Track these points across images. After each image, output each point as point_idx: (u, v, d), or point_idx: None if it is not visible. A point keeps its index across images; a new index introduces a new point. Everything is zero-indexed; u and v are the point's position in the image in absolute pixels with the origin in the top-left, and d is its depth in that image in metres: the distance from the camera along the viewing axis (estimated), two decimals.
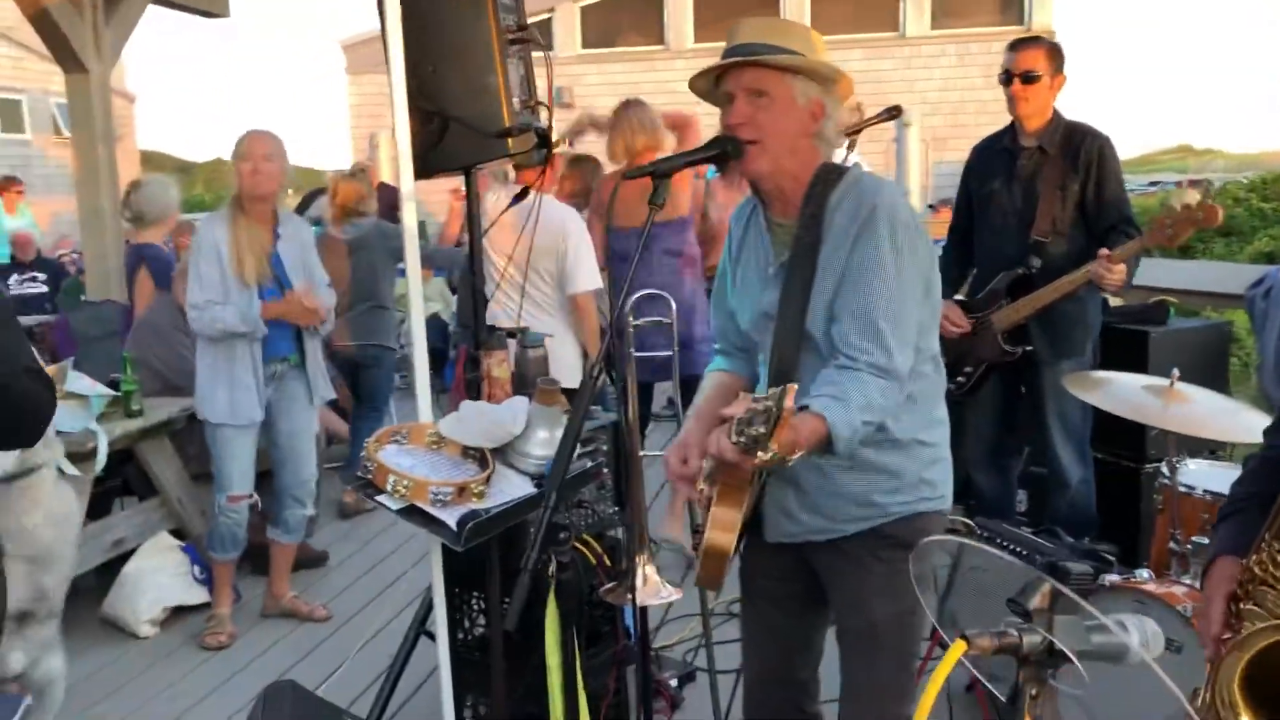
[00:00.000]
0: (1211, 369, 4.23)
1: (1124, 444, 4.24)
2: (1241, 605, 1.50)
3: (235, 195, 4.16)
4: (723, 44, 2.18)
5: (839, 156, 2.27)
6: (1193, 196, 3.38)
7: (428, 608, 3.33)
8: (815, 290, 2.07)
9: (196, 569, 4.55)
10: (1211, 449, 4.18)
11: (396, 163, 2.92)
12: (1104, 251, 3.54)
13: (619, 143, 5.02)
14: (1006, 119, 4.02)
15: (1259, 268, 5.75)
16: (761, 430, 1.74)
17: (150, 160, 25.48)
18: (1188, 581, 2.76)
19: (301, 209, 11.27)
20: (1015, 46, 3.88)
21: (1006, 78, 3.84)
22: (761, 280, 2.21)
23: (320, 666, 4.05)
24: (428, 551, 4.98)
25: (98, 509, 4.65)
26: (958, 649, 0.96)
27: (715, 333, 2.44)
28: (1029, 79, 3.78)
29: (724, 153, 2.16)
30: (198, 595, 4.50)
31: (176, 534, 4.69)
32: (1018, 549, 3.39)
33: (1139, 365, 4.17)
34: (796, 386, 1.75)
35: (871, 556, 2.17)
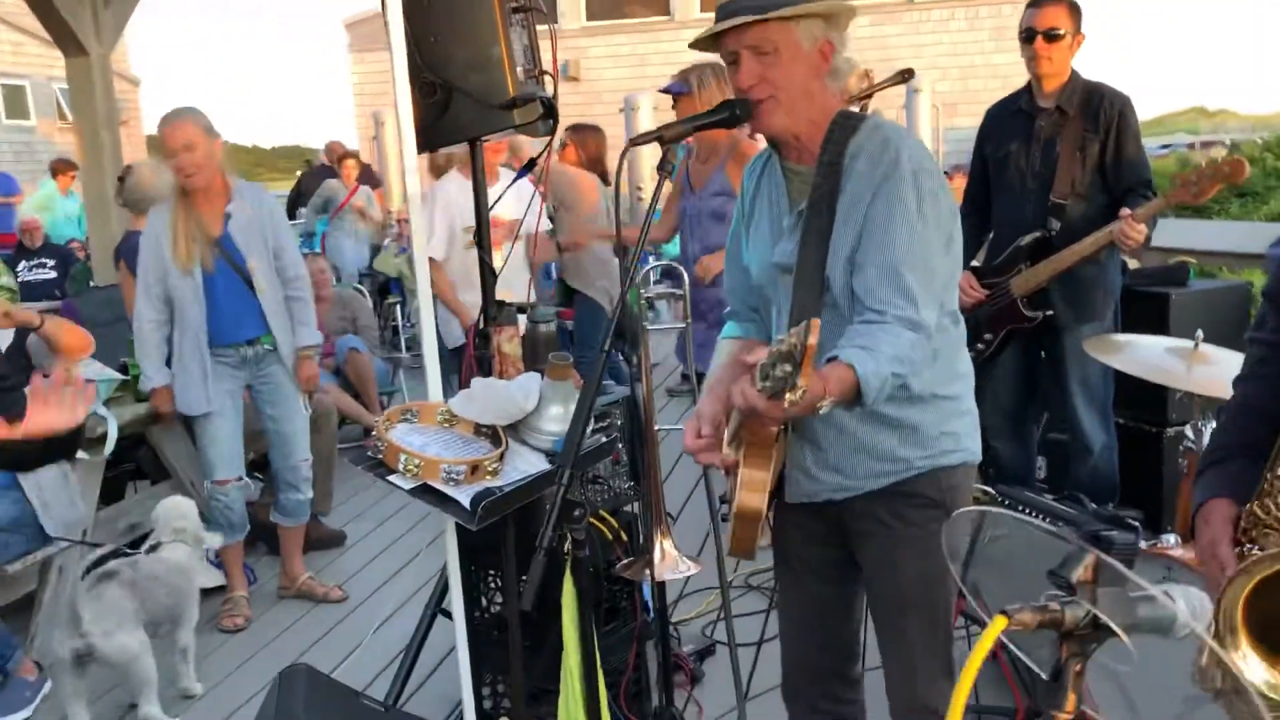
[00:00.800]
0: (1232, 330, 4.15)
1: (1145, 407, 4.18)
2: (1245, 549, 1.46)
3: (177, 184, 4.08)
4: None
5: None
6: (1219, 152, 3.29)
7: (444, 587, 3.31)
8: (834, 239, 2.01)
9: (211, 551, 4.51)
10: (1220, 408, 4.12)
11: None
12: (1126, 211, 3.47)
13: None
14: (1017, 83, 3.94)
15: (1278, 226, 5.65)
16: (787, 369, 1.68)
17: (157, 145, 25.41)
18: None
19: (300, 195, 11.24)
20: (1038, 3, 3.77)
21: (1029, 35, 3.74)
22: (775, 230, 2.15)
23: (337, 647, 4.04)
24: (443, 530, 5.02)
25: (110, 493, 4.64)
26: (998, 624, 0.91)
27: (727, 294, 2.38)
28: (1052, 36, 3.69)
29: (733, 115, 2.10)
30: (213, 578, 4.47)
31: None
32: (1042, 516, 3.34)
33: (1160, 327, 4.10)
34: (819, 321, 1.67)
35: (899, 519, 2.11)
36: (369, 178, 10.98)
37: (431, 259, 4.69)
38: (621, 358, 4.55)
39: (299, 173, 14.12)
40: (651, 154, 11.62)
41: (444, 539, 2.82)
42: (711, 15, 2.11)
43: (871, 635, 2.32)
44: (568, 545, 2.23)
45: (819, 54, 2.02)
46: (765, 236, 2.18)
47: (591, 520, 2.82)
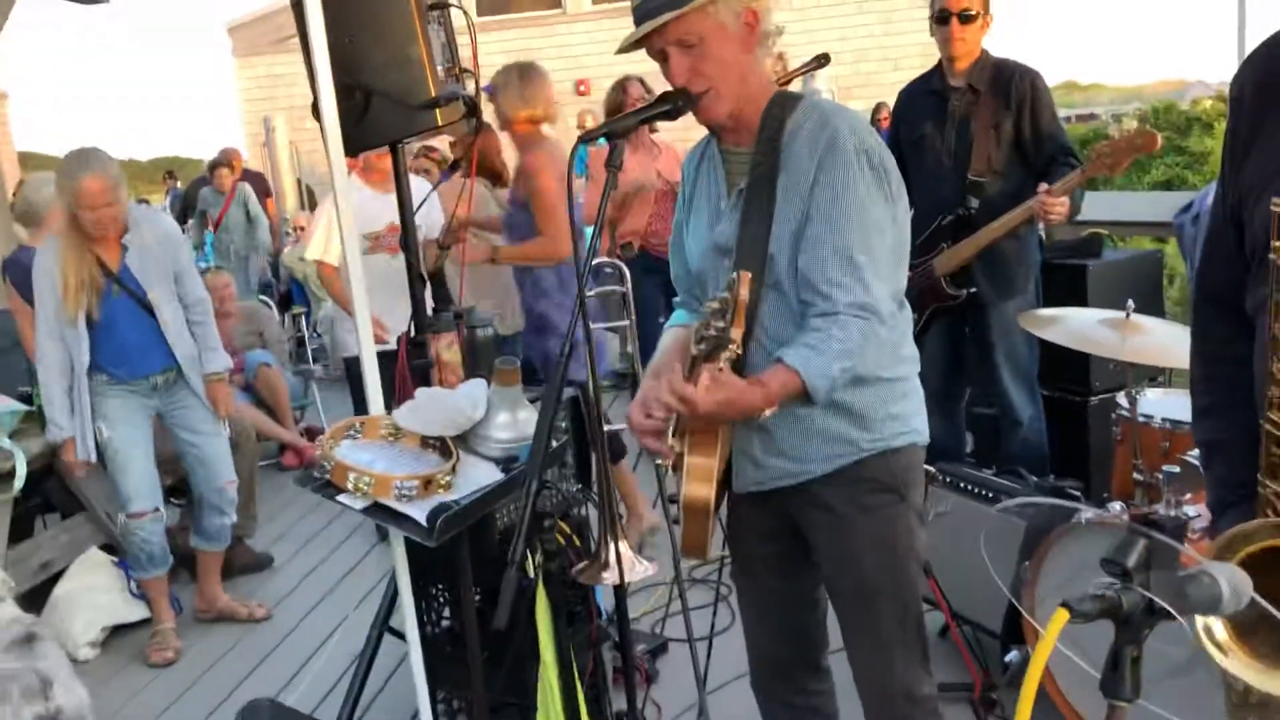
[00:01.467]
0: (1148, 297, 4.26)
1: (1070, 378, 4.27)
2: None
3: (70, 217, 3.87)
4: (620, 4, 2.10)
5: None
6: (1130, 124, 3.36)
7: (389, 604, 3.21)
8: (776, 216, 1.99)
9: (133, 584, 4.33)
10: (1152, 376, 4.24)
11: (297, 146, 2.76)
12: (1043, 186, 3.53)
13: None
14: (907, 64, 3.98)
15: (1185, 194, 5.85)
16: (720, 325, 1.67)
17: (30, 161, 24.40)
18: (1162, 511, 2.76)
19: (186, 205, 10.88)
20: None
21: (943, 16, 3.75)
22: (714, 213, 2.13)
23: (273, 674, 3.90)
24: (372, 546, 4.90)
25: (20, 530, 4.41)
26: (1060, 618, 0.89)
27: (675, 282, 2.34)
28: (966, 18, 3.72)
29: (675, 107, 2.07)
30: (137, 611, 4.29)
31: (107, 549, 4.46)
32: (985, 491, 3.39)
33: (1079, 299, 4.19)
34: (750, 275, 1.69)
35: (851, 505, 2.09)
36: (257, 185, 10.65)
37: (329, 264, 4.56)
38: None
39: (169, 187, 13.74)
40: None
41: (374, 556, 2.74)
42: (604, 6, 2.08)
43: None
44: (538, 558, 2.18)
45: (745, 27, 1.99)
46: (704, 220, 2.15)
47: (561, 530, 2.75)
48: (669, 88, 2.07)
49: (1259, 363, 1.35)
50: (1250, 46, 4.46)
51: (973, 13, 3.72)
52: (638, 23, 1.99)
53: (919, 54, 14.82)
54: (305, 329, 8.79)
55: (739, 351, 1.82)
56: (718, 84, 1.99)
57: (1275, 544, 1.12)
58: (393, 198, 3.88)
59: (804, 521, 2.17)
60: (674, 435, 2.05)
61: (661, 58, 2.01)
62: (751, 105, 2.04)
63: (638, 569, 2.78)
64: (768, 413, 1.90)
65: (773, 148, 2.00)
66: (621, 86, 5.39)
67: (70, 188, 3.78)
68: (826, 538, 2.15)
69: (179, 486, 4.78)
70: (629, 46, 2.03)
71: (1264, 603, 0.90)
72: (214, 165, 10.07)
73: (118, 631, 4.27)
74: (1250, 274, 1.41)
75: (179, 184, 14.83)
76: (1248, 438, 1.36)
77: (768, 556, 2.27)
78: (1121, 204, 5.26)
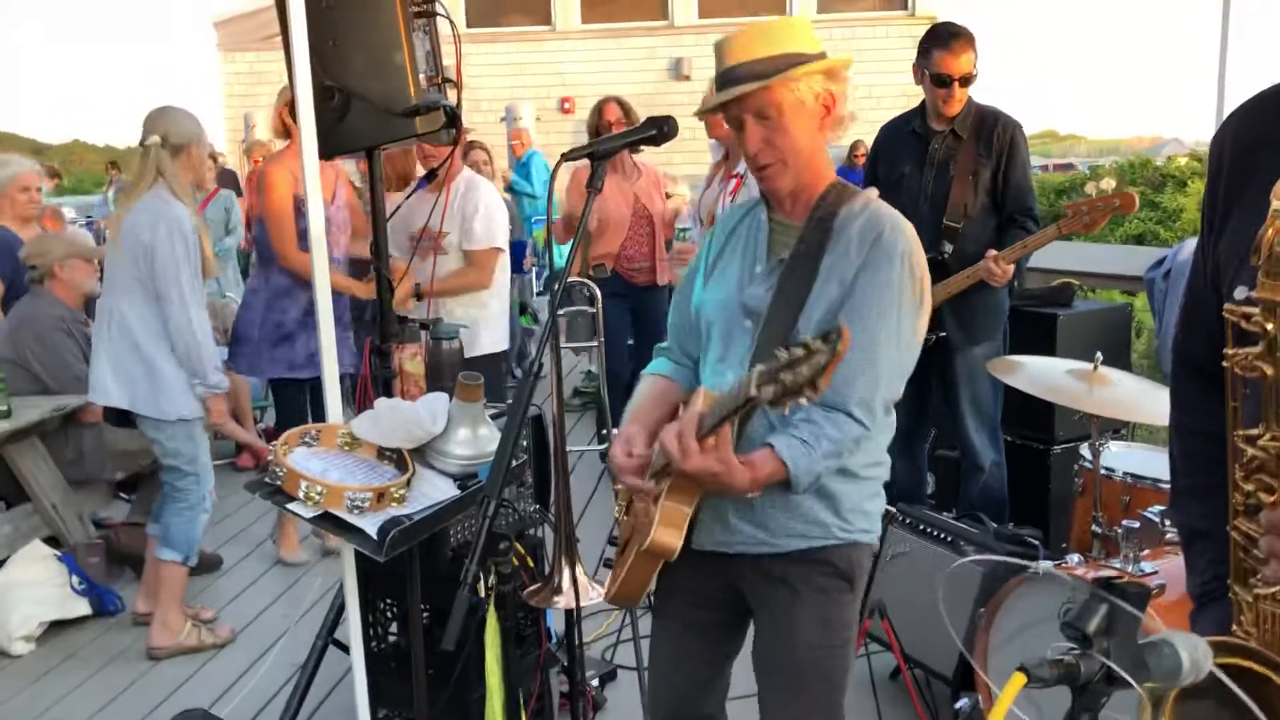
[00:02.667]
0: (1117, 350, 4.28)
1: (1033, 426, 4.27)
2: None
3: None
4: (610, 25, 2.13)
5: None
6: (1108, 183, 3.38)
7: (335, 616, 3.15)
8: (813, 295, 2.01)
9: (75, 579, 4.24)
10: (1115, 429, 4.25)
11: (273, 144, 2.72)
12: (992, 252, 3.59)
13: None
14: (893, 105, 3.98)
15: (1157, 250, 5.90)
16: (805, 373, 1.56)
17: (9, 143, 24.16)
18: (1118, 565, 2.75)
19: None
20: (949, 46, 3.73)
21: (944, 80, 3.73)
22: (746, 274, 2.13)
23: (211, 680, 3.80)
24: (322, 555, 4.82)
25: None
26: (1017, 681, 0.86)
27: (670, 333, 2.34)
28: (967, 82, 3.74)
29: (660, 132, 2.12)
30: (78, 608, 4.19)
31: (51, 542, 4.36)
32: (943, 535, 3.37)
33: (1048, 348, 4.20)
34: (850, 332, 1.60)
35: (805, 583, 2.08)
36: (229, 181, 10.53)
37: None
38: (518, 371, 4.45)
39: (112, 178, 13.56)
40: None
41: (326, 564, 2.68)
42: (593, 25, 2.08)
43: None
44: (492, 580, 2.14)
45: (822, 108, 2.04)
46: (732, 278, 2.16)
47: (516, 553, 2.71)
48: (655, 113, 2.13)
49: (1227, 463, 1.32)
50: (1230, 105, 4.48)
51: (974, 75, 3.74)
52: (719, 88, 2.04)
53: (902, 93, 15.00)
54: None
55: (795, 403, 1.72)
56: (787, 157, 2.03)
57: (1232, 663, 1.06)
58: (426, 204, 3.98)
59: (751, 591, 2.15)
60: (650, 475, 2.03)
61: (737, 125, 2.06)
62: (811, 183, 2.08)
63: (591, 594, 2.75)
64: (753, 495, 1.93)
65: (823, 229, 2.04)
66: (600, 108, 5.38)
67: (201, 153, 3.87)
68: (772, 611, 2.14)
69: (129, 481, 4.70)
70: (708, 111, 2.12)
71: (1226, 678, 0.88)
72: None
73: (56, 627, 4.16)
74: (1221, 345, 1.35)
75: (122, 174, 14.45)
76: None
77: (694, 619, 2.24)
78: (1092, 256, 5.30)
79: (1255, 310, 1.21)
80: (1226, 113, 1.54)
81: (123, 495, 5.02)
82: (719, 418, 1.79)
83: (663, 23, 15.71)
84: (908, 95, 14.42)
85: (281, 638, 3.98)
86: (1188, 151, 19.91)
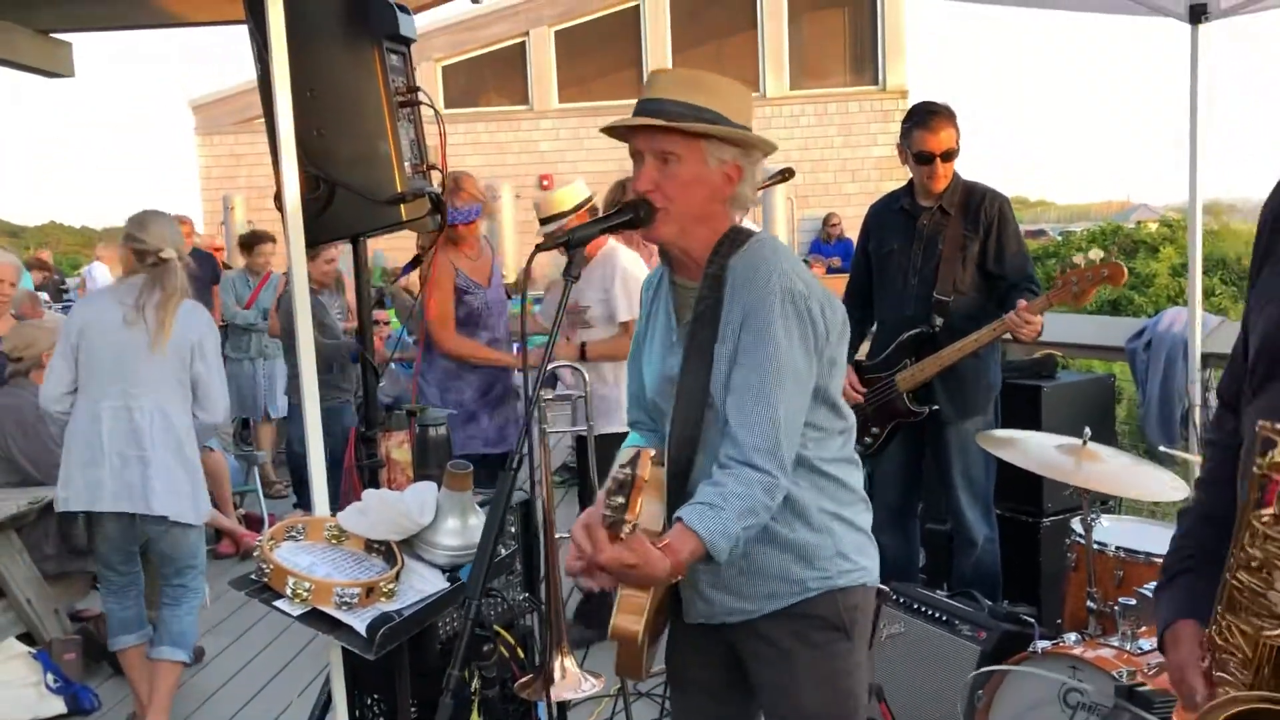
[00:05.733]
0: (1101, 421, 4.30)
1: (1021, 499, 4.26)
2: (1216, 673, 1.43)
3: None
4: (587, 104, 2.09)
5: None
6: (1097, 254, 3.41)
7: (321, 713, 3.07)
8: (717, 353, 1.97)
9: (50, 677, 4.12)
10: (1103, 500, 4.24)
11: (255, 224, 2.72)
12: (1022, 303, 3.53)
13: None
14: (866, 178, 4.03)
15: (1137, 320, 5.95)
16: (620, 500, 1.67)
17: None
18: (1115, 644, 2.72)
19: None
20: (926, 123, 3.76)
21: (926, 158, 3.77)
22: (666, 344, 2.11)
23: None
24: (308, 643, 4.71)
25: None
26: None
27: (630, 401, 2.31)
28: (950, 157, 3.78)
29: (637, 216, 2.05)
30: (52, 707, 4.07)
31: (25, 639, 4.26)
32: (938, 614, 3.34)
33: (1033, 420, 4.20)
34: (652, 452, 1.71)
35: (797, 640, 2.05)
36: (205, 268, 10.45)
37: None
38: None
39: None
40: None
41: (310, 654, 2.62)
42: (570, 105, 2.08)
43: None
44: (475, 683, 2.08)
45: (723, 176, 1.99)
46: (657, 350, 2.14)
47: (502, 652, 2.65)
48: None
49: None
50: (1202, 171, 4.51)
51: (956, 150, 3.78)
52: (636, 113, 1.98)
53: (874, 165, 15.25)
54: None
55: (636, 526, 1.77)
56: (673, 207, 1.98)
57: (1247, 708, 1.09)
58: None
59: (745, 652, 2.13)
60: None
61: (637, 158, 2.01)
62: (703, 245, 2.03)
63: (584, 686, 2.69)
64: (680, 576, 1.87)
65: (717, 283, 2.00)
66: (622, 185, 5.39)
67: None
68: (767, 670, 2.11)
69: None
70: (613, 132, 2.03)
71: None
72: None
73: None
74: (1243, 385, 1.51)
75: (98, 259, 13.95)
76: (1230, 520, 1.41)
77: (707, 681, 2.22)
78: (1068, 325, 5.33)
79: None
80: (1199, 176, 1.79)
81: (99, 587, 4.92)
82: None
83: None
84: (880, 168, 14.79)
85: None
86: (1157, 217, 20.24)
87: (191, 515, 3.75)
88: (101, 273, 11.18)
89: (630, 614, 1.93)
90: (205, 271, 10.30)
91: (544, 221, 4.43)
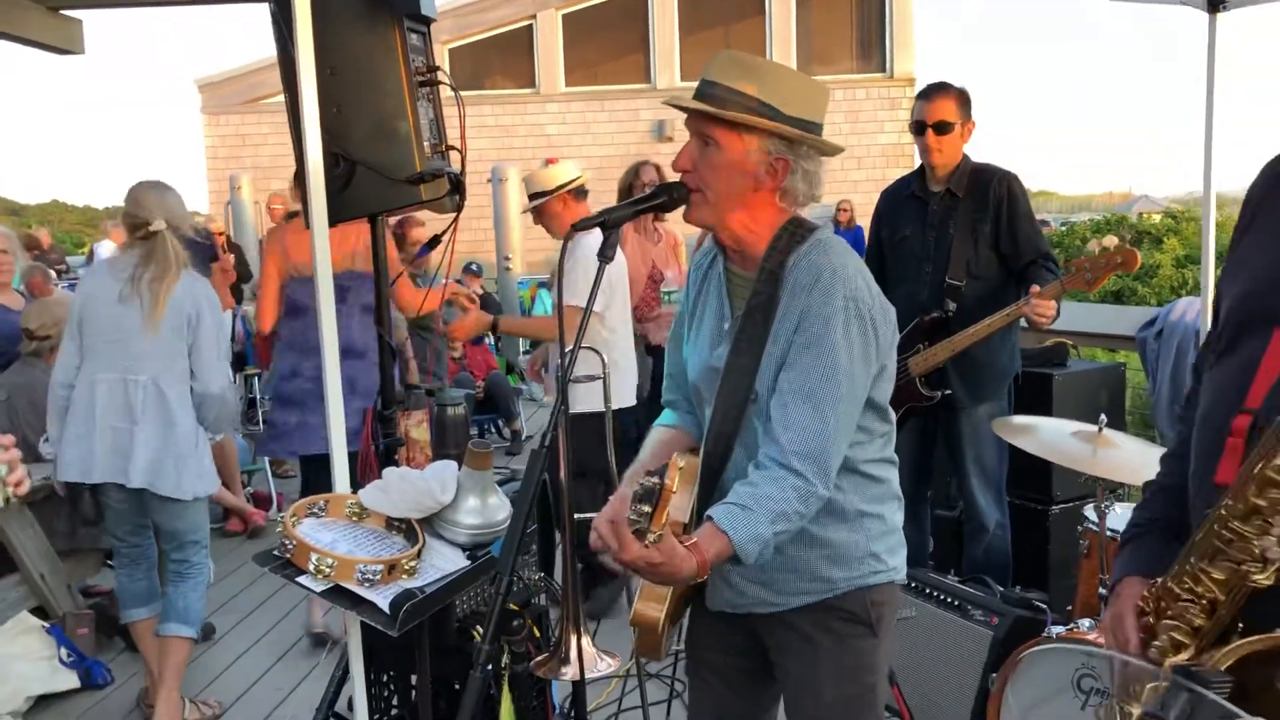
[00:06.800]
0: (1112, 410, 4.30)
1: (1031, 486, 4.27)
2: (1163, 621, 1.51)
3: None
4: (594, 88, 2.08)
5: None
6: (1111, 241, 3.41)
7: (335, 690, 3.08)
8: (767, 351, 1.95)
9: (64, 651, 4.14)
10: (1113, 489, 4.25)
11: (262, 204, 2.72)
12: (1035, 289, 3.52)
13: None
14: (873, 164, 4.03)
15: (1147, 309, 5.96)
16: (645, 509, 1.63)
17: None
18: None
19: None
20: (927, 95, 3.82)
21: (919, 128, 3.80)
22: (716, 333, 2.09)
23: None
24: (312, 625, 4.73)
25: None
26: None
27: (666, 383, 2.30)
28: (943, 129, 3.77)
29: (670, 199, 2.04)
30: (66, 681, 4.09)
31: (39, 613, 4.28)
32: (950, 599, 3.35)
33: (1044, 407, 4.21)
34: (682, 463, 1.65)
35: (822, 631, 2.06)
36: (202, 254, 10.44)
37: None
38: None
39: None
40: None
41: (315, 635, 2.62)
42: (576, 89, 2.06)
43: None
44: (505, 659, 2.09)
45: (767, 167, 1.95)
46: (706, 337, 2.11)
47: (533, 631, 2.66)
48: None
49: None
50: (1217, 160, 4.45)
51: (949, 124, 3.77)
52: (697, 92, 1.96)
53: (881, 153, 15.22)
54: (258, 390, 8.61)
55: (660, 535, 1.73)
56: (709, 191, 1.96)
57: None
58: None
59: (771, 642, 2.13)
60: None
61: (692, 135, 2.00)
62: (753, 236, 2.01)
63: (599, 665, 2.70)
64: (705, 576, 1.83)
65: (774, 280, 1.97)
66: (637, 169, 5.39)
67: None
68: (792, 660, 2.11)
69: None
70: (672, 104, 2.03)
71: None
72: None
73: (44, 701, 4.07)
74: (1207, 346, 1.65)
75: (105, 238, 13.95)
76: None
77: (727, 670, 2.21)
78: (1076, 315, 5.34)
79: None
80: (1213, 166, 1.87)
81: (112, 563, 4.94)
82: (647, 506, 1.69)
83: (645, 85, 15.93)
84: (887, 155, 14.76)
85: (278, 707, 3.90)
86: (1160, 209, 20.24)
87: (173, 489, 3.66)
88: (109, 250, 11.19)
89: (652, 601, 1.93)
90: (200, 257, 10.27)
91: (531, 198, 4.45)
